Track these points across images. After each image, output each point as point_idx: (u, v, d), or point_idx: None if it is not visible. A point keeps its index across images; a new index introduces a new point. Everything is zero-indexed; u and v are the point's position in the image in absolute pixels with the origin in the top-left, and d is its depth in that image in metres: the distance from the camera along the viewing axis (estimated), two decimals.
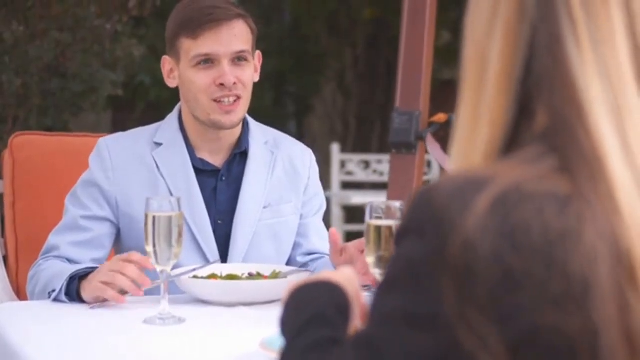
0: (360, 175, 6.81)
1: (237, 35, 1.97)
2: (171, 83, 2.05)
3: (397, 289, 0.80)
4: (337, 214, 6.41)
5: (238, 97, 1.98)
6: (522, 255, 0.75)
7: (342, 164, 6.75)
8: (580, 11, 0.82)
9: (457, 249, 0.76)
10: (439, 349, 0.77)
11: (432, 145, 1.86)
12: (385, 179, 6.68)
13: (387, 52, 8.38)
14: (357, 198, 6.28)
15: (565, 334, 0.75)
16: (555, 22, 0.82)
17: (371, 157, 6.96)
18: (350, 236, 6.41)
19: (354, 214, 6.88)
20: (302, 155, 2.15)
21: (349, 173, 6.78)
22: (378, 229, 1.48)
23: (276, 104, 8.37)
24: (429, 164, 6.62)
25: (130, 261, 1.74)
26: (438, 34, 3.24)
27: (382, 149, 8.04)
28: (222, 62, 1.96)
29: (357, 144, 8.45)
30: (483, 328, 0.75)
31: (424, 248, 0.78)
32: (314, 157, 2.18)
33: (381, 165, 6.84)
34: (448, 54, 7.81)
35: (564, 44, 0.82)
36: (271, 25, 8.63)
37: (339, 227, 6.39)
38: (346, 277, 1.05)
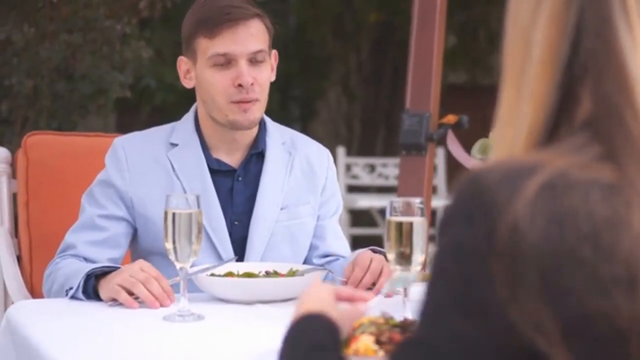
0: (366, 179, 6.82)
1: (254, 35, 1.96)
2: (188, 84, 2.04)
3: (446, 278, 0.80)
4: (342, 217, 6.41)
5: (255, 100, 1.98)
6: (570, 240, 0.76)
7: (348, 168, 6.76)
8: None
9: (506, 232, 0.76)
10: (494, 335, 0.77)
11: (453, 144, 1.86)
12: (390, 182, 6.68)
13: (392, 55, 8.39)
14: (362, 201, 6.29)
15: (615, 320, 0.75)
16: (606, 4, 0.82)
17: (376, 161, 6.96)
18: (356, 240, 6.41)
19: (360, 217, 6.88)
20: (320, 156, 2.15)
21: (355, 177, 6.78)
22: (399, 225, 1.48)
23: (281, 108, 8.38)
24: (434, 167, 6.61)
25: (155, 279, 1.74)
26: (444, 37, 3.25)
27: (386, 153, 8.05)
28: (240, 62, 1.95)
29: (362, 148, 8.46)
30: (537, 310, 0.75)
31: (473, 233, 0.78)
32: (331, 158, 2.18)
33: (386, 169, 6.85)
34: (453, 57, 7.82)
35: (615, 27, 0.81)
36: (276, 29, 8.63)
37: (345, 231, 6.39)
38: (321, 299, 1.11)
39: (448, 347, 0.79)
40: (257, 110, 1.99)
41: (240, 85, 1.95)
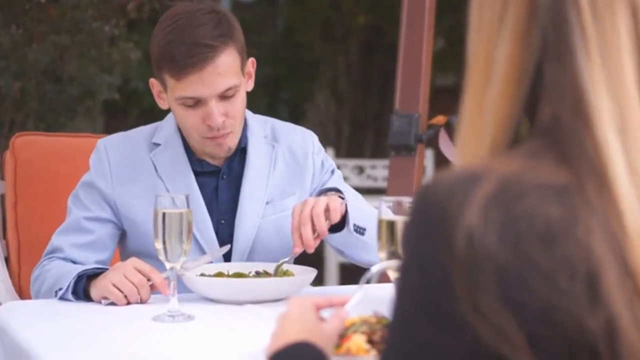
0: (354, 181, 6.81)
1: (221, 74, 1.88)
2: (162, 105, 2.00)
3: (412, 290, 0.80)
4: None
5: (229, 133, 1.95)
6: (525, 245, 0.75)
7: None
8: (589, 17, 0.80)
9: (462, 242, 0.76)
10: (462, 344, 0.76)
11: (444, 142, 1.86)
12: (379, 184, 6.69)
13: (381, 58, 8.40)
14: None
15: (579, 326, 0.74)
16: (565, 31, 0.80)
17: (365, 163, 6.97)
18: None
19: None
20: (303, 143, 2.11)
21: (343, 178, 6.78)
22: (390, 224, 1.48)
23: (270, 111, 8.37)
24: (423, 168, 6.63)
25: (149, 273, 1.76)
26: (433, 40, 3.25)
27: (375, 155, 8.05)
28: (209, 102, 1.89)
29: (350, 150, 8.46)
30: (499, 316, 0.75)
31: (432, 246, 0.78)
32: (315, 139, 2.14)
33: (375, 170, 6.85)
34: (442, 60, 7.83)
35: (575, 55, 0.79)
36: (265, 32, 8.64)
37: None
38: (304, 321, 1.10)
39: (418, 355, 0.78)
40: (233, 140, 1.97)
41: (210, 125, 1.91)
